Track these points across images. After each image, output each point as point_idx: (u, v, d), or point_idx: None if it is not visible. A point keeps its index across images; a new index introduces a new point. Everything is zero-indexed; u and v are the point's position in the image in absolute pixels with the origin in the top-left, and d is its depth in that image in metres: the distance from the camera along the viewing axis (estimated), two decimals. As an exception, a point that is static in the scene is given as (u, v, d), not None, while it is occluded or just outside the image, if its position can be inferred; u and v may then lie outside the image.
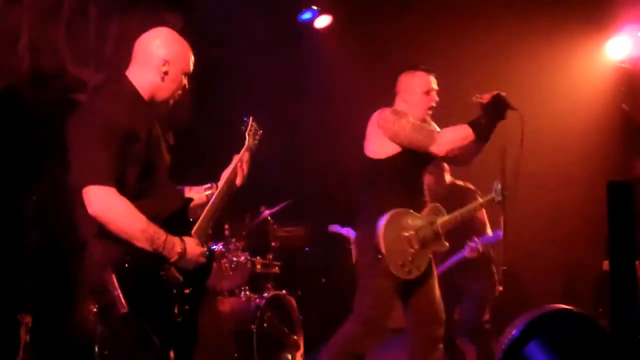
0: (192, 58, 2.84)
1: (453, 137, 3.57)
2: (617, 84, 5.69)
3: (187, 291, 2.61)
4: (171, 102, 2.82)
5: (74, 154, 2.55)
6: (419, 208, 3.68)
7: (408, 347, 3.70)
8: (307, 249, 6.71)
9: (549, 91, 6.51)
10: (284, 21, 6.58)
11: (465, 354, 5.17)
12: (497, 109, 3.59)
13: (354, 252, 4.09)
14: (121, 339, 2.53)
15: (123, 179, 2.56)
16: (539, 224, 6.75)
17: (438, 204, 3.76)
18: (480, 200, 4.20)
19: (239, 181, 2.94)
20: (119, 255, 2.48)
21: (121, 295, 2.41)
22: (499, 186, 3.92)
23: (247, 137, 3.04)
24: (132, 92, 2.71)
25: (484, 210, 4.83)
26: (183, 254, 2.57)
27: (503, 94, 3.62)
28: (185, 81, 2.82)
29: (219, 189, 2.89)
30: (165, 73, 2.73)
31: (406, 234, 3.55)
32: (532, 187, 6.70)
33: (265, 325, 5.01)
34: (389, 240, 3.49)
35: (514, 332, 2.53)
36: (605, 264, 4.89)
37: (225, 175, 2.95)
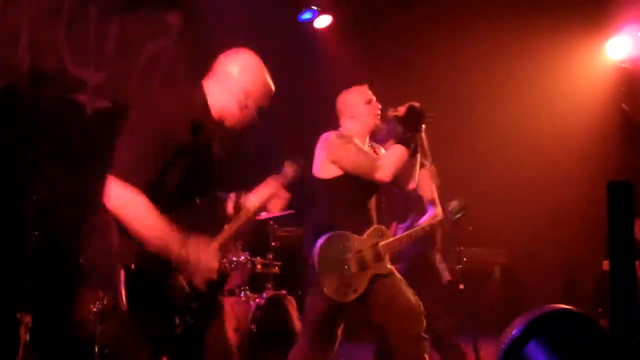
0: (272, 90, 2.81)
1: (392, 159, 3.61)
2: (617, 84, 5.70)
3: (194, 306, 2.57)
4: (239, 129, 2.78)
5: (122, 142, 2.54)
6: (361, 230, 3.67)
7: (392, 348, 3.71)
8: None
9: (549, 91, 6.53)
10: (284, 21, 6.58)
11: (466, 354, 5.17)
12: (413, 120, 3.65)
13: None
14: (119, 336, 2.53)
15: (161, 186, 2.53)
16: (539, 224, 6.76)
17: (382, 227, 3.74)
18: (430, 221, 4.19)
19: (277, 210, 2.93)
20: (132, 253, 2.46)
21: (123, 293, 2.40)
22: (455, 206, 3.92)
23: (287, 167, 2.94)
24: (203, 105, 2.68)
25: (434, 191, 4.75)
26: (195, 266, 2.50)
27: (417, 104, 3.66)
28: (255, 113, 2.79)
29: (248, 212, 2.82)
30: (243, 103, 2.72)
31: (343, 256, 3.55)
32: (532, 187, 6.74)
33: (265, 325, 5.01)
34: (324, 262, 3.51)
35: (514, 332, 2.52)
36: (605, 264, 4.89)
37: (257, 198, 2.87)
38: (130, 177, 2.44)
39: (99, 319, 4.52)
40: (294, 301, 5.31)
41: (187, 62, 6.42)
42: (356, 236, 3.64)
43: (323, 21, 6.71)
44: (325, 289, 3.51)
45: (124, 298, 2.40)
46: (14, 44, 5.08)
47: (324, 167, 3.72)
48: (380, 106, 3.81)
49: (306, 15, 6.68)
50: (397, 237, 3.79)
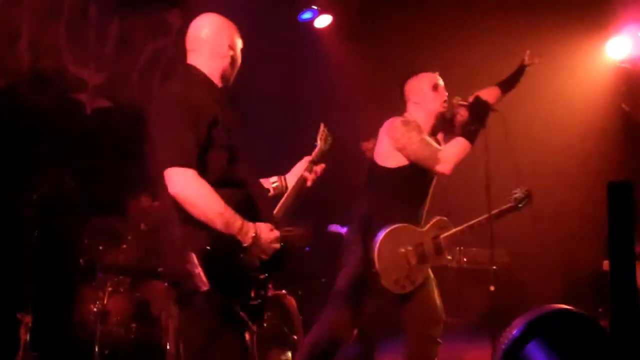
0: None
1: (454, 152, 3.58)
2: (617, 84, 5.69)
3: (262, 276, 2.68)
4: (232, 81, 2.89)
5: (160, 135, 2.58)
6: (420, 221, 3.68)
7: (404, 345, 3.71)
8: (307, 248, 6.72)
9: (549, 91, 6.52)
10: (284, 21, 6.58)
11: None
12: (480, 112, 3.61)
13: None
14: (205, 321, 2.58)
15: (207, 163, 2.59)
16: (539, 224, 6.74)
17: (444, 218, 3.73)
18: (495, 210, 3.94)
19: (309, 184, 3.01)
20: (200, 238, 2.52)
21: (202, 274, 2.46)
22: (520, 193, 3.87)
23: (318, 141, 3.14)
24: (206, 80, 2.76)
25: None
26: (257, 239, 2.59)
27: (480, 94, 3.65)
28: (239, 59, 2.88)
29: (290, 187, 2.97)
30: (232, 57, 2.81)
31: (403, 249, 3.55)
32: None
33: (265, 325, 5.00)
34: (384, 256, 3.51)
35: (514, 332, 2.53)
36: (605, 264, 4.89)
37: (296, 171, 3.03)
38: (183, 162, 2.50)
39: (99, 319, 4.53)
40: (294, 301, 5.30)
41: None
42: (417, 229, 3.64)
43: (323, 21, 6.70)
44: (384, 282, 3.51)
45: (204, 279, 2.45)
46: (14, 44, 5.08)
47: (389, 154, 3.68)
48: (447, 94, 3.76)
49: (306, 15, 6.67)
50: (459, 228, 3.73)
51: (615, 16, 5.86)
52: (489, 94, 3.67)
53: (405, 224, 3.59)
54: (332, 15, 6.68)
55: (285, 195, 2.91)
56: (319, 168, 3.03)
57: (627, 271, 2.20)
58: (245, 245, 2.57)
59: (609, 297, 2.22)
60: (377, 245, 3.51)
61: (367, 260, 3.54)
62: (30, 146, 4.94)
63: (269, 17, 6.27)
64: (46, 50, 5.26)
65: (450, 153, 3.57)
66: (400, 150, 3.61)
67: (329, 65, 6.89)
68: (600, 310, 5.12)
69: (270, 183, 3.01)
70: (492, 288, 3.96)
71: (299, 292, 5.85)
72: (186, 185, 2.50)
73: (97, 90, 5.68)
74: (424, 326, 3.62)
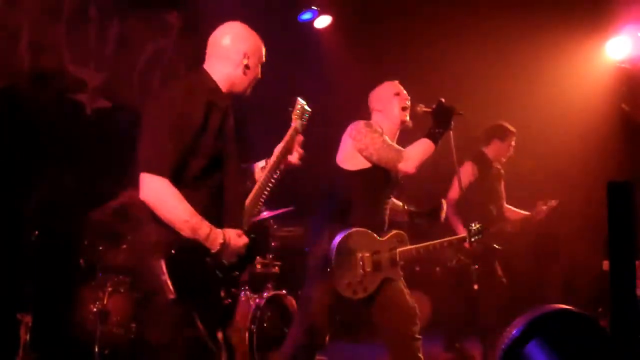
0: (263, 45, 2.93)
1: (418, 152, 3.59)
2: (617, 84, 5.69)
3: (232, 275, 2.70)
4: (248, 91, 2.91)
5: (142, 138, 2.62)
6: (379, 227, 3.70)
7: (386, 348, 3.73)
8: (307, 249, 6.71)
9: (549, 91, 6.52)
10: (284, 21, 6.58)
11: (474, 357, 5.20)
12: (445, 115, 3.62)
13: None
14: (164, 325, 2.60)
15: (185, 167, 2.62)
16: (539, 223, 6.75)
17: (403, 233, 3.76)
18: (450, 237, 4.03)
19: (295, 160, 3.01)
20: (169, 242, 2.56)
21: (168, 282, 2.49)
22: (475, 227, 3.90)
23: (293, 118, 3.10)
24: (211, 85, 2.78)
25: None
26: (225, 245, 2.63)
27: (443, 99, 3.64)
28: (259, 71, 2.90)
29: (268, 166, 2.95)
30: (247, 66, 2.82)
31: (360, 254, 3.56)
32: (532, 188, 6.73)
33: (265, 325, 5.01)
34: (341, 257, 3.52)
35: (514, 332, 2.53)
36: (605, 264, 4.89)
37: (276, 152, 3.01)
38: (157, 169, 2.55)
39: (99, 319, 4.53)
40: (294, 301, 5.31)
41: (187, 62, 6.43)
42: (376, 236, 3.65)
43: (323, 21, 6.70)
44: (336, 284, 3.52)
45: (170, 287, 2.49)
46: (14, 44, 5.08)
47: (350, 157, 3.70)
48: (408, 98, 3.79)
49: (306, 16, 6.67)
50: (416, 246, 3.77)
51: (615, 16, 5.86)
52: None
53: (365, 230, 3.61)
54: (332, 15, 6.68)
55: (260, 178, 2.92)
56: (297, 144, 3.03)
57: (627, 271, 2.20)
58: (213, 251, 2.61)
59: (609, 297, 2.22)
60: (335, 246, 3.52)
61: (326, 260, 3.55)
62: (30, 146, 4.94)
63: (269, 18, 6.27)
64: (46, 50, 5.27)
65: (414, 152, 3.59)
66: (363, 151, 3.62)
67: (328, 66, 6.89)
68: (600, 310, 5.13)
69: (260, 167, 3.04)
70: (475, 287, 3.99)
71: (299, 292, 5.85)
72: (156, 192, 2.55)
73: (97, 90, 5.68)
74: (400, 326, 3.62)
